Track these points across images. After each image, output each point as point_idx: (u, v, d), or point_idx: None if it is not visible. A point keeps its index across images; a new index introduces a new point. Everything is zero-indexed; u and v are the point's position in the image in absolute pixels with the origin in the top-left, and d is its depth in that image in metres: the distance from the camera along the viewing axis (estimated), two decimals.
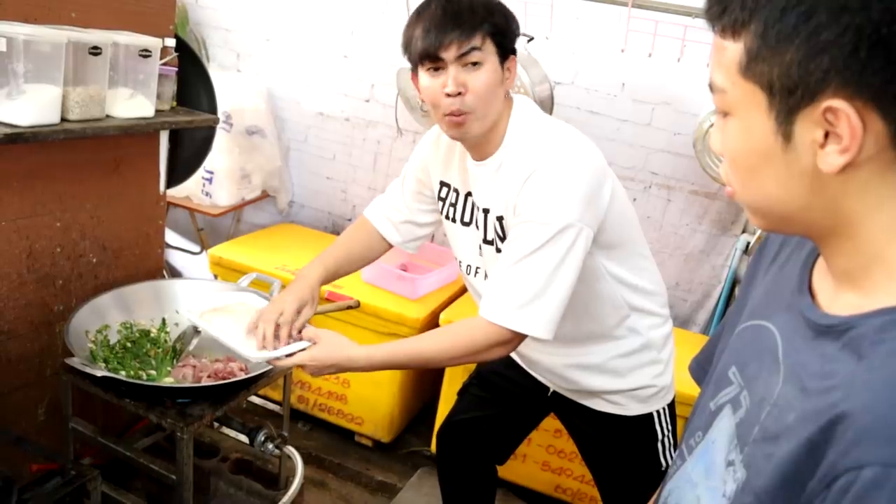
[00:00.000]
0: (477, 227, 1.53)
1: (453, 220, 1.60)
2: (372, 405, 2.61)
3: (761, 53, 0.59)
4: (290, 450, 1.73)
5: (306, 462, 1.76)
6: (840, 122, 0.56)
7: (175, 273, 3.39)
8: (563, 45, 2.57)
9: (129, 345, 1.78)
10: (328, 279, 1.64)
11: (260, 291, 1.90)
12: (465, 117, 1.35)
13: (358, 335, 2.54)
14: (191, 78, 2.04)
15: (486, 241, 1.51)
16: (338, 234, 3.21)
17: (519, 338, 1.35)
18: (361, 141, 3.08)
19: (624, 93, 2.59)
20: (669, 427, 1.62)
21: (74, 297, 1.89)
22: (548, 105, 2.38)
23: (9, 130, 1.45)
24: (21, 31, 1.45)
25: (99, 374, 1.51)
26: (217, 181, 2.85)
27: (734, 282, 2.59)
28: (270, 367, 1.58)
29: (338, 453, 2.68)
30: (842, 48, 0.54)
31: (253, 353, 1.44)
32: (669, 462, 1.58)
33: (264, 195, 3.14)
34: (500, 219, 1.44)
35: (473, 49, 1.32)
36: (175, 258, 3.48)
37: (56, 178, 1.77)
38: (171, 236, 3.45)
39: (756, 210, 0.68)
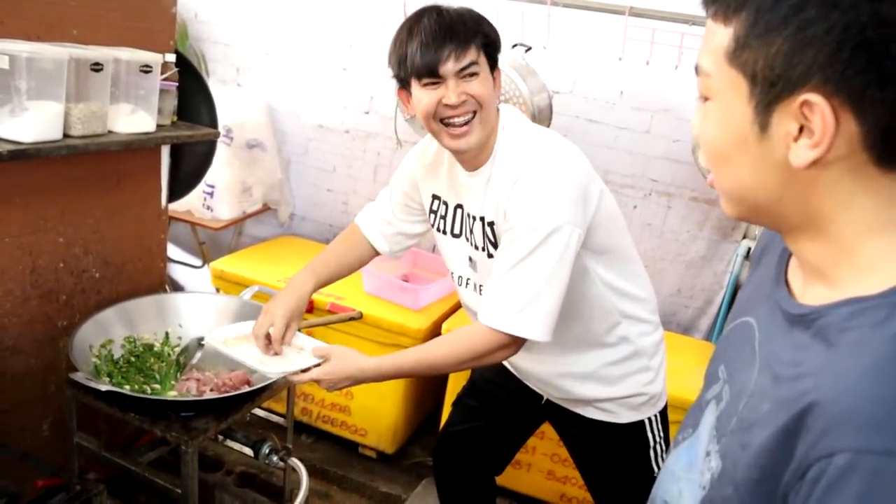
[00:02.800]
0: (467, 238, 1.55)
1: (444, 233, 1.62)
2: (375, 416, 2.61)
3: (749, 42, 0.59)
4: (295, 462, 1.72)
5: (310, 474, 1.76)
6: (814, 117, 0.57)
7: (177, 287, 3.40)
8: (561, 55, 2.58)
9: (132, 359, 1.79)
10: (319, 287, 1.67)
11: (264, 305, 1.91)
12: (468, 127, 1.37)
13: (361, 346, 2.52)
14: (191, 92, 2.05)
15: (477, 248, 1.52)
16: None
17: (518, 341, 1.37)
18: (361, 153, 3.09)
19: (622, 101, 2.60)
20: (661, 434, 1.63)
21: (78, 313, 1.90)
22: (546, 114, 2.39)
23: (12, 147, 1.46)
24: (24, 48, 1.47)
25: (104, 388, 1.51)
26: (218, 195, 2.86)
27: (736, 287, 2.59)
28: (274, 379, 1.59)
29: (342, 465, 2.67)
30: (827, 45, 0.55)
31: (270, 368, 1.48)
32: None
33: (265, 208, 3.15)
34: (490, 224, 1.46)
35: (472, 63, 1.34)
36: (177, 272, 3.49)
37: (58, 193, 1.78)
38: (172, 250, 3.46)
39: (729, 197, 0.69)
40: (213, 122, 2.08)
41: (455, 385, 2.46)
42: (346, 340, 2.54)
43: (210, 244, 3.28)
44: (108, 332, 1.81)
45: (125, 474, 1.72)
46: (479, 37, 1.36)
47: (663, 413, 1.64)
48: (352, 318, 1.92)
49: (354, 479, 2.60)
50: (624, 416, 1.59)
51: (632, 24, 2.30)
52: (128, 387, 1.67)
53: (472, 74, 1.35)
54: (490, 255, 1.48)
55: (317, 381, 1.44)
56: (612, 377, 1.56)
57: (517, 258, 1.34)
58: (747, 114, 0.62)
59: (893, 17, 0.53)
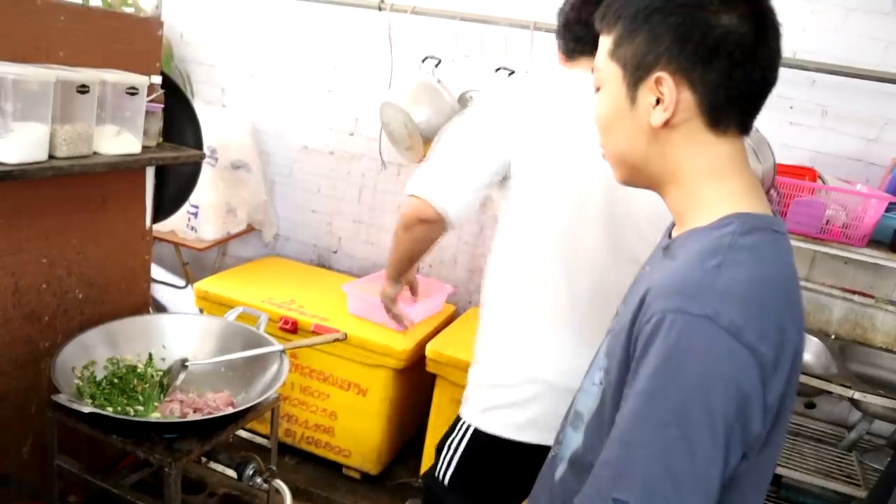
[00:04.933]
0: None
1: None
2: (359, 437, 2.60)
3: (622, 41, 0.85)
4: (279, 483, 1.72)
5: (294, 496, 1.75)
6: (664, 89, 0.81)
7: (160, 308, 3.37)
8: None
9: (115, 380, 1.77)
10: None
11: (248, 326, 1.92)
12: None
13: (345, 367, 2.54)
14: (177, 114, 2.06)
15: None
16: (323, 266, 3.22)
17: (428, 209, 1.40)
18: (346, 174, 3.11)
19: None
20: None
21: (60, 334, 1.88)
22: None
23: None
24: (9, 70, 1.47)
25: (86, 410, 1.50)
26: (202, 215, 2.86)
27: None
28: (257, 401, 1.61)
29: (326, 486, 2.66)
30: (668, 38, 0.80)
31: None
32: None
33: (250, 229, 3.15)
34: None
35: None
36: (160, 292, 3.47)
37: (42, 214, 1.78)
38: (156, 271, 3.44)
39: (615, 162, 0.92)
40: (198, 144, 2.08)
41: (438, 405, 2.47)
42: (331, 361, 2.55)
43: (194, 265, 3.27)
44: (90, 353, 1.80)
45: (106, 497, 1.70)
46: None
47: None
48: (336, 339, 1.93)
49: (339, 501, 2.59)
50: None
51: None
52: (111, 409, 1.66)
53: None
54: None
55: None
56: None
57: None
58: (623, 92, 0.86)
59: (702, 20, 0.78)
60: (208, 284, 2.74)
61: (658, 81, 0.81)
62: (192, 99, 3.12)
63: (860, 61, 2.32)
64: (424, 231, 1.46)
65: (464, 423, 1.58)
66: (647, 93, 0.83)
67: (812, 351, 2.52)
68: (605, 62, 0.88)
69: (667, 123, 0.82)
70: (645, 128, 0.84)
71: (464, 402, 1.60)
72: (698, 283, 0.75)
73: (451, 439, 1.60)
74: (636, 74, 0.83)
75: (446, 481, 1.58)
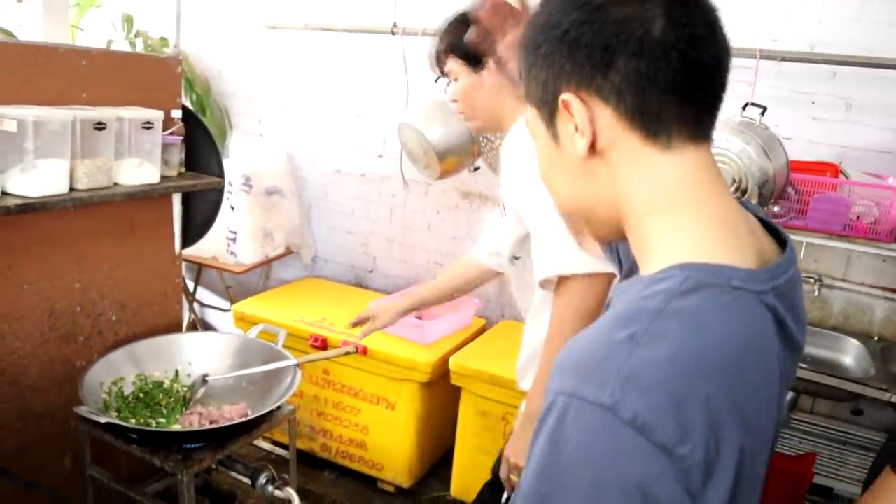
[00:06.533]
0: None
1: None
2: (390, 451, 2.66)
3: (528, 82, 0.73)
4: (289, 491, 1.78)
5: None
6: (574, 111, 0.67)
7: (209, 328, 3.55)
8: None
9: (141, 395, 1.90)
10: (414, 308, 1.93)
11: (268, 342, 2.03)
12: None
13: (374, 381, 2.61)
14: (201, 144, 2.20)
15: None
16: (361, 286, 3.32)
17: (605, 275, 1.36)
18: (377, 195, 3.20)
19: None
20: None
21: (96, 353, 2.03)
22: None
23: (19, 201, 1.62)
24: (30, 113, 1.62)
25: (103, 420, 1.62)
26: (240, 240, 3.01)
27: None
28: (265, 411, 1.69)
29: (362, 500, 2.72)
30: (560, 58, 0.68)
31: None
32: None
33: (288, 252, 3.28)
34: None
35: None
36: (209, 315, 3.65)
37: (73, 242, 1.93)
38: (204, 294, 3.63)
39: (566, 214, 0.79)
40: (220, 171, 2.22)
41: (464, 419, 2.50)
42: (360, 377, 2.62)
43: (238, 288, 3.43)
44: (119, 370, 1.93)
45: None
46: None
47: None
48: (348, 353, 2.00)
49: None
50: None
51: None
52: (133, 420, 1.78)
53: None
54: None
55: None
56: None
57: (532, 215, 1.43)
58: (546, 133, 0.73)
59: (587, 20, 0.66)
60: (245, 306, 2.87)
61: (566, 105, 0.68)
62: (230, 129, 3.31)
63: (881, 50, 2.25)
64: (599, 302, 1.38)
65: None
66: (563, 123, 0.69)
67: (851, 354, 2.43)
68: (528, 111, 0.76)
69: (594, 149, 0.68)
70: (576, 163, 0.70)
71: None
72: (600, 359, 0.59)
73: None
74: (546, 108, 0.71)
75: None
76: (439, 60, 1.59)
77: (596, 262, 1.34)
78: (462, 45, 1.47)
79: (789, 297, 0.68)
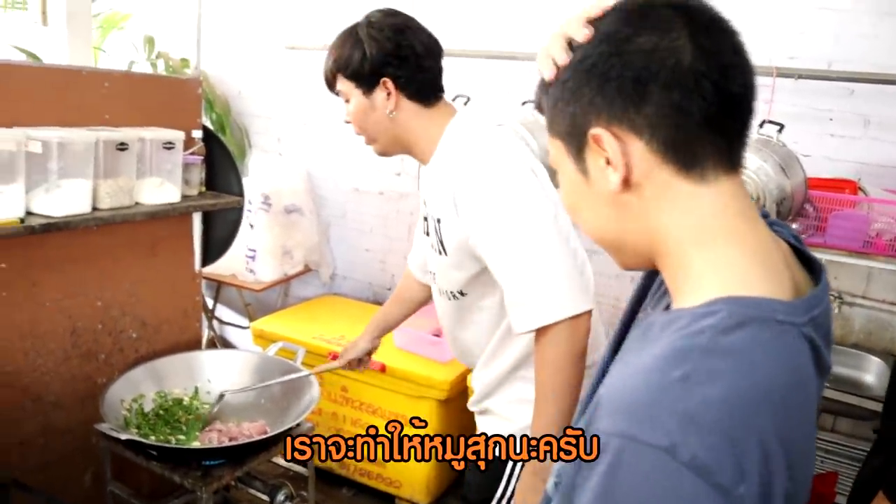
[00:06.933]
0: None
1: (426, 234, 1.56)
2: (407, 468, 2.65)
3: (554, 116, 0.72)
4: None
5: None
6: (606, 146, 0.66)
7: (228, 346, 3.58)
8: None
9: (161, 412, 1.92)
10: (380, 333, 1.98)
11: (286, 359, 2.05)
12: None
13: (392, 399, 2.61)
14: (222, 164, 2.23)
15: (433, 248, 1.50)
16: (379, 303, 3.33)
17: (586, 316, 1.31)
18: (395, 213, 3.22)
19: None
20: None
21: (117, 370, 2.06)
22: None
23: (43, 221, 1.65)
24: (54, 134, 1.66)
25: (124, 437, 1.64)
26: (260, 258, 3.04)
27: None
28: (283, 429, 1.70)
29: None
30: (589, 92, 0.67)
31: None
32: None
33: (307, 269, 3.31)
34: (438, 221, 1.44)
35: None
36: (229, 333, 3.68)
37: (95, 260, 1.96)
38: (224, 312, 3.67)
39: (603, 247, 0.76)
40: (240, 190, 2.25)
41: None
42: (378, 394, 2.63)
43: (258, 305, 3.46)
44: (139, 387, 1.96)
45: None
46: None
47: None
48: (328, 370, 2.00)
49: None
50: None
51: None
52: (153, 437, 1.80)
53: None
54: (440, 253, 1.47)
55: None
56: None
57: (504, 251, 1.31)
58: (573, 167, 0.72)
59: (616, 52, 0.65)
60: (264, 323, 2.89)
61: (596, 140, 0.67)
62: (250, 149, 3.35)
63: None
64: (580, 342, 1.31)
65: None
66: (593, 158, 0.68)
67: (873, 371, 2.40)
68: (550, 143, 0.76)
69: (628, 184, 0.67)
70: (608, 197, 0.69)
71: None
72: (654, 400, 0.57)
73: None
74: (575, 142, 0.70)
75: None
76: (327, 81, 1.47)
77: (578, 302, 1.29)
78: (351, 63, 1.38)
79: (825, 326, 0.68)
